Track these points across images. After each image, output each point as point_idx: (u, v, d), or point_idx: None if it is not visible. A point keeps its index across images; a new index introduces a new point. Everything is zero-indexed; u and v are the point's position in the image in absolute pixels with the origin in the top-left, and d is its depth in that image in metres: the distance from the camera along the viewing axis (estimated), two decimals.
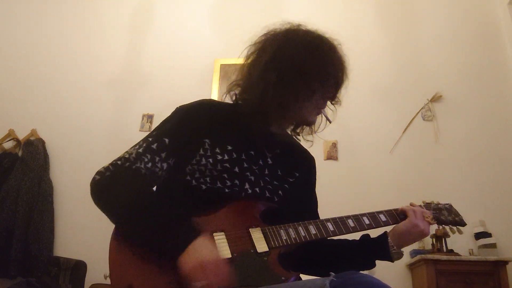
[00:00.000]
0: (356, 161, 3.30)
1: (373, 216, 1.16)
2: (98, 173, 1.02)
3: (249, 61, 1.18)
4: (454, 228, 1.28)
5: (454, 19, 3.65)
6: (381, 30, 3.69)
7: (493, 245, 2.81)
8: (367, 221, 1.14)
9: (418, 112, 3.37)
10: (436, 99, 3.39)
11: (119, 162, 1.02)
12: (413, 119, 3.36)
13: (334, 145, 3.33)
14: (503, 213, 2.98)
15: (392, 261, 1.16)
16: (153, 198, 0.99)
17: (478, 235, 2.88)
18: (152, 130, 1.12)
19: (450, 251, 2.78)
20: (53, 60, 3.84)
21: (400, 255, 1.16)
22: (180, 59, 3.74)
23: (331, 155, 3.31)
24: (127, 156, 1.03)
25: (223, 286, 0.87)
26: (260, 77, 1.11)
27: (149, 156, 1.03)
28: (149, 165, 1.02)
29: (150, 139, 1.07)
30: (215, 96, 3.53)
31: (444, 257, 2.67)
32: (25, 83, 3.78)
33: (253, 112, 1.13)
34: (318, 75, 1.11)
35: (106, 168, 1.02)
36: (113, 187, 0.99)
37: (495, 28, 3.56)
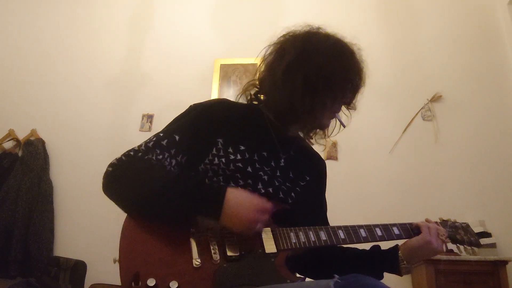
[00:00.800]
0: (356, 161, 3.30)
1: (386, 228, 1.15)
2: (111, 165, 1.02)
3: (267, 61, 1.17)
4: (469, 248, 1.27)
5: (454, 19, 3.65)
6: (381, 30, 3.69)
7: (493, 245, 2.81)
8: (379, 233, 1.13)
9: (418, 112, 3.37)
10: (436, 99, 3.39)
11: (131, 153, 1.03)
12: (413, 119, 3.36)
13: (334, 145, 3.33)
14: (503, 213, 2.98)
15: (401, 275, 1.16)
16: (170, 177, 0.99)
17: (478, 235, 2.88)
18: (165, 126, 1.13)
19: (450, 251, 2.78)
20: (53, 60, 3.84)
21: (408, 270, 1.15)
22: (180, 59, 3.74)
23: (331, 155, 3.31)
24: (137, 148, 1.04)
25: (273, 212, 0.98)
26: (284, 79, 1.11)
27: (158, 151, 1.03)
28: (160, 157, 1.03)
29: (161, 134, 1.07)
30: (215, 95, 3.53)
31: (444, 257, 2.67)
32: (25, 83, 3.78)
33: (276, 114, 1.12)
34: (340, 80, 1.11)
35: (119, 159, 1.02)
36: (127, 174, 1.00)
37: (495, 28, 3.56)
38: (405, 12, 3.74)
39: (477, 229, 2.89)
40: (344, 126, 1.22)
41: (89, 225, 3.15)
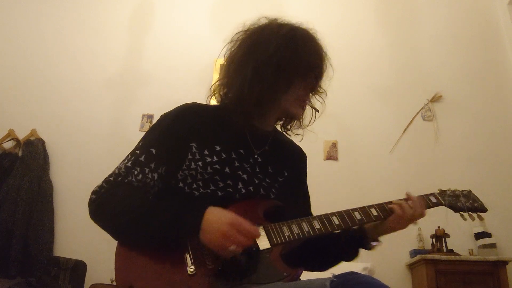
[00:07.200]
0: (356, 161, 3.30)
1: (381, 207, 1.15)
2: (94, 192, 1.04)
3: (227, 59, 1.18)
4: (474, 214, 1.26)
5: (454, 19, 3.65)
6: (380, 30, 3.69)
7: (493, 245, 2.81)
8: (375, 213, 1.13)
9: (418, 112, 3.37)
10: (436, 99, 3.39)
11: (111, 179, 1.03)
12: (413, 119, 3.36)
13: (334, 145, 3.33)
14: (503, 213, 2.98)
15: (369, 250, 1.20)
16: (149, 202, 1.00)
17: (478, 235, 2.88)
18: (139, 140, 1.12)
19: (450, 251, 2.78)
20: (53, 60, 3.84)
21: (376, 246, 1.19)
22: (180, 59, 3.74)
23: (331, 155, 3.30)
24: (117, 171, 1.04)
25: (251, 236, 0.93)
26: (235, 73, 1.12)
27: (138, 169, 1.03)
28: (140, 177, 1.03)
29: (138, 151, 1.07)
30: None
31: (444, 257, 2.67)
32: (25, 83, 3.78)
33: (234, 110, 1.12)
34: (292, 67, 1.10)
35: (100, 186, 1.03)
36: (109, 203, 1.01)
37: (495, 28, 3.57)
38: (405, 12, 3.75)
39: (477, 229, 2.89)
40: (317, 111, 1.21)
41: (89, 225, 3.12)
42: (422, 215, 1.17)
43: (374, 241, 1.18)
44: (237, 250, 0.90)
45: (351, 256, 1.20)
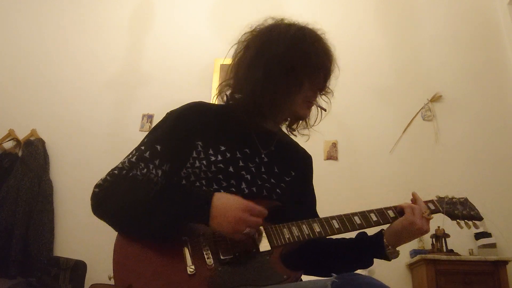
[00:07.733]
0: (356, 161, 3.30)
1: (381, 212, 1.14)
2: (97, 186, 1.03)
3: (235, 60, 1.18)
4: (470, 222, 1.25)
5: (454, 19, 3.65)
6: (380, 30, 3.69)
7: (493, 245, 2.81)
8: (374, 218, 1.12)
9: (418, 112, 3.37)
10: (436, 99, 3.39)
11: (115, 172, 1.03)
12: (413, 119, 3.36)
13: (334, 145, 3.33)
14: (503, 213, 2.98)
15: (389, 260, 1.15)
16: (154, 194, 1.00)
17: (478, 235, 2.88)
18: (144, 137, 1.12)
19: (450, 251, 2.78)
20: (53, 60, 3.84)
21: (396, 254, 1.14)
22: (180, 59, 3.74)
23: (331, 155, 3.31)
24: (121, 165, 1.04)
25: (262, 219, 0.97)
26: (246, 75, 1.12)
27: (142, 164, 1.03)
28: (145, 171, 1.02)
29: (142, 147, 1.07)
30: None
31: (444, 257, 2.67)
32: (25, 83, 3.78)
33: (245, 111, 1.12)
34: (303, 67, 1.10)
35: (104, 180, 1.03)
36: (113, 195, 1.00)
37: (495, 28, 3.57)
38: (405, 12, 3.74)
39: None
40: (324, 110, 1.21)
41: (89, 225, 3.13)
42: (427, 209, 1.15)
43: (393, 250, 1.13)
44: (252, 231, 0.96)
45: (365, 264, 1.18)
